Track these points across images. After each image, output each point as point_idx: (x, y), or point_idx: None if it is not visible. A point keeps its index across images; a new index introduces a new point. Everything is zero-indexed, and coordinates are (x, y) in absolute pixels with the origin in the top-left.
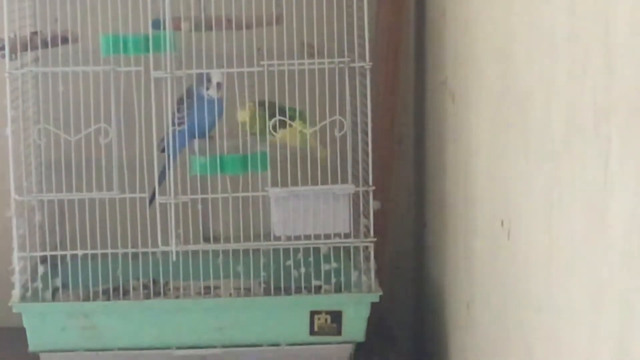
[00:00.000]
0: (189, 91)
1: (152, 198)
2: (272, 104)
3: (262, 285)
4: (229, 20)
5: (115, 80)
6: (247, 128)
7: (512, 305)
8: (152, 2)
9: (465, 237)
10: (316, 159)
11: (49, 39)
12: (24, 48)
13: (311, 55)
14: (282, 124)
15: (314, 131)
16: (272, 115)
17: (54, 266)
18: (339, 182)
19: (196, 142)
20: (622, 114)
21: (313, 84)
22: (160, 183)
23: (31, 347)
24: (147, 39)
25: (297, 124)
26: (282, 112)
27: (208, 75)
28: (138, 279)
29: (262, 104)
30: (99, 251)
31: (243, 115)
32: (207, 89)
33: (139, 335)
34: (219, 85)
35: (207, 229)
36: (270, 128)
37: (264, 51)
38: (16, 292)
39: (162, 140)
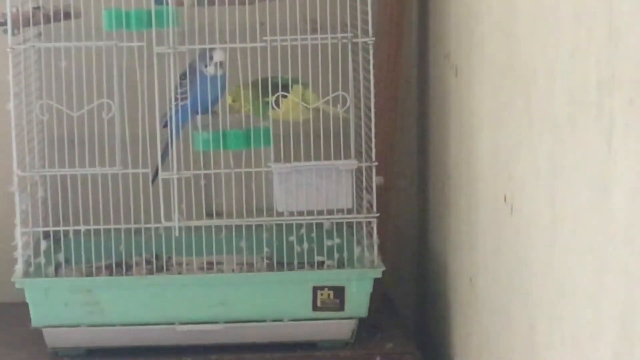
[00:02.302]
0: (192, 67)
1: (155, 176)
2: (264, 80)
3: (265, 260)
4: None
5: (117, 55)
6: (238, 109)
7: (515, 280)
8: None
9: (468, 212)
10: (319, 133)
11: (51, 13)
12: (27, 23)
13: (314, 31)
14: (280, 97)
15: (317, 97)
16: (264, 91)
17: (57, 242)
18: (341, 157)
19: (199, 117)
20: (626, 88)
21: (316, 59)
22: (163, 160)
23: (34, 323)
24: (149, 14)
25: (295, 91)
26: (275, 85)
27: (210, 53)
28: (141, 255)
29: (246, 85)
30: (101, 226)
31: (228, 99)
32: (207, 66)
33: (141, 310)
34: (220, 64)
35: (209, 205)
36: (273, 103)
37: (267, 26)
38: (19, 268)
39: (165, 115)
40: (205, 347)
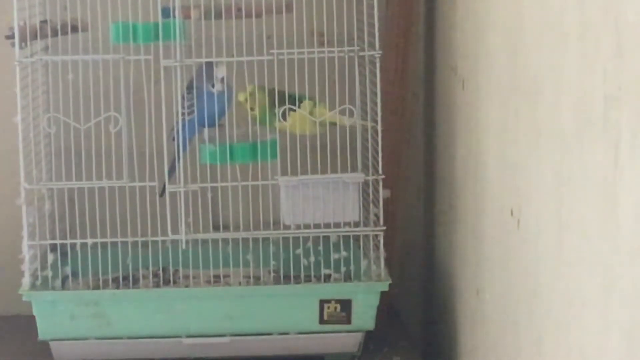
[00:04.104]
0: (197, 80)
1: (163, 191)
2: (273, 90)
3: (272, 273)
4: (238, 9)
5: (125, 68)
6: (247, 107)
7: (522, 294)
8: None
9: (475, 226)
10: (326, 146)
11: (58, 27)
12: (34, 36)
13: (321, 44)
14: (289, 110)
15: (327, 111)
16: (273, 100)
17: (64, 254)
18: (348, 170)
19: (206, 130)
20: (633, 102)
21: (323, 72)
22: (170, 174)
23: (41, 336)
24: (156, 27)
25: (305, 106)
26: (285, 97)
27: (210, 70)
28: (148, 268)
29: (262, 88)
30: (108, 239)
31: (241, 95)
32: (213, 85)
33: (148, 323)
34: (223, 79)
35: (216, 218)
36: (280, 116)
37: (274, 39)
38: (26, 281)
39: (173, 129)
40: None
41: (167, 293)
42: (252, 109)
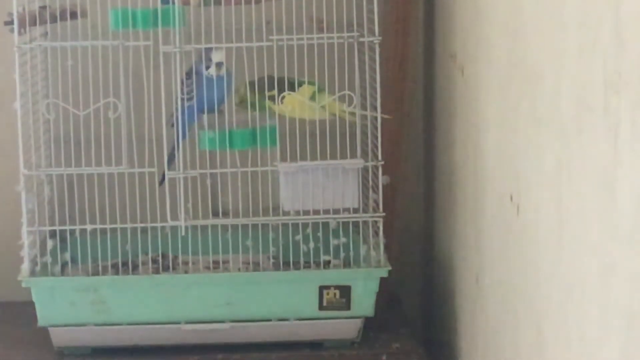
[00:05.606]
0: (196, 66)
1: (163, 178)
2: (270, 77)
3: (271, 260)
4: None
5: (124, 54)
6: (247, 107)
7: (521, 280)
8: None
9: (475, 212)
10: (325, 133)
11: (58, 13)
12: (33, 22)
13: (320, 30)
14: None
15: (328, 99)
16: (268, 87)
17: (63, 241)
18: (348, 156)
19: (205, 116)
20: (632, 88)
21: (322, 58)
22: (170, 162)
23: (40, 322)
24: (156, 13)
25: (304, 90)
26: (288, 84)
27: (209, 54)
28: (147, 254)
29: (253, 83)
30: (108, 226)
31: (235, 98)
32: (207, 67)
33: (148, 309)
34: (219, 65)
35: (216, 204)
36: (274, 99)
37: (273, 26)
38: (25, 267)
39: (172, 115)
40: (212, 346)
41: (167, 279)
42: (241, 102)
